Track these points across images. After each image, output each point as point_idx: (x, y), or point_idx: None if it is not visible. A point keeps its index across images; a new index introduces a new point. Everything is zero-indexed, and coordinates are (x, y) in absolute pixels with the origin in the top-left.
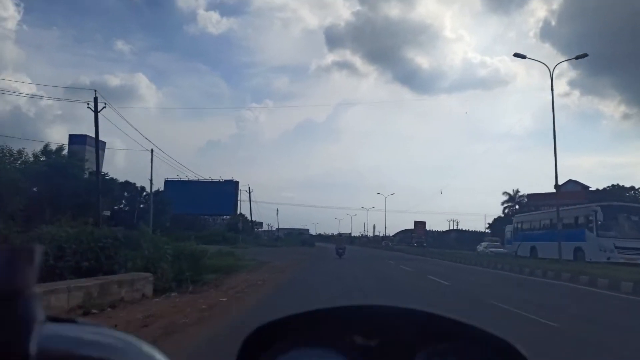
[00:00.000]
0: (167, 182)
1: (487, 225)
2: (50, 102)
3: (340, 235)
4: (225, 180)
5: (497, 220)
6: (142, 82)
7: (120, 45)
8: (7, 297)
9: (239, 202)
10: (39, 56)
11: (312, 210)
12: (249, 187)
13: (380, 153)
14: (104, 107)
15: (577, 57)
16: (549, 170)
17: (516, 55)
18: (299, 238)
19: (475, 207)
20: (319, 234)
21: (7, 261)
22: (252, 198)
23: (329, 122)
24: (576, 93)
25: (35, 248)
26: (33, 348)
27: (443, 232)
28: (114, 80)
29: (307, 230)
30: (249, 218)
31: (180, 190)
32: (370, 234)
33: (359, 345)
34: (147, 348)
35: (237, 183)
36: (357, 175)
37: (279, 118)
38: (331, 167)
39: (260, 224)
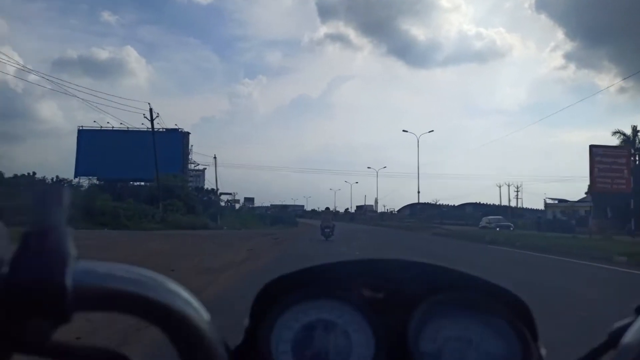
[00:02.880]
0: (83, 132)
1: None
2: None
3: (327, 210)
4: (166, 130)
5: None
6: (132, 55)
7: (107, 16)
8: (41, 232)
9: (188, 161)
10: (24, 28)
11: (307, 185)
12: (215, 156)
13: (375, 128)
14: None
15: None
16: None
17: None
18: (292, 214)
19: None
20: (313, 210)
21: (39, 200)
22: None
23: (323, 97)
24: (572, 66)
25: (64, 189)
26: (69, 281)
27: (457, 206)
28: (102, 54)
29: (302, 206)
30: (211, 187)
31: (100, 144)
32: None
33: (367, 298)
34: (174, 285)
35: (185, 135)
36: (352, 150)
37: (273, 94)
38: (325, 143)
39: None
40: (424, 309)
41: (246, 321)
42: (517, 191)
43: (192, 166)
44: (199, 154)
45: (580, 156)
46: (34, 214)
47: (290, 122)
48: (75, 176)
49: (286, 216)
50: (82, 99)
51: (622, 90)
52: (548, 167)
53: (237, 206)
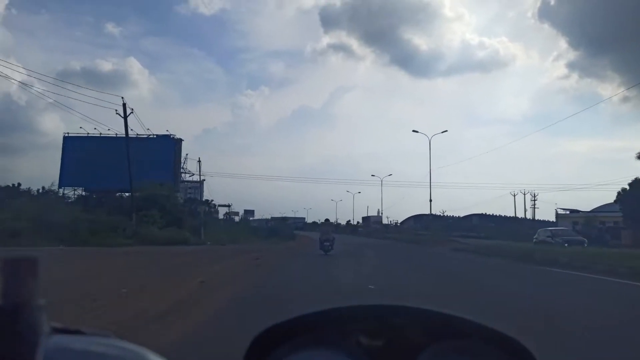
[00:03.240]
0: (68, 140)
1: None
2: (41, 89)
3: (326, 222)
4: (157, 136)
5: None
6: (135, 67)
7: (110, 28)
8: (12, 309)
9: (181, 171)
10: (28, 41)
11: (308, 197)
12: (199, 160)
13: (377, 138)
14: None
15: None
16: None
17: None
18: (290, 227)
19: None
20: (314, 222)
21: (10, 273)
22: (211, 176)
23: (325, 108)
24: (575, 76)
25: (37, 259)
26: None
27: (463, 217)
28: (105, 66)
29: (303, 218)
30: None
31: (86, 151)
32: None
33: (365, 346)
34: (157, 359)
35: (178, 141)
36: (353, 162)
37: (275, 105)
38: (327, 154)
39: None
40: (425, 358)
41: None
42: (534, 200)
43: (186, 176)
44: (200, 161)
45: (583, 165)
46: (5, 286)
47: (292, 133)
48: (60, 187)
49: (284, 229)
50: (55, 101)
51: (625, 99)
52: (551, 177)
53: (237, 219)
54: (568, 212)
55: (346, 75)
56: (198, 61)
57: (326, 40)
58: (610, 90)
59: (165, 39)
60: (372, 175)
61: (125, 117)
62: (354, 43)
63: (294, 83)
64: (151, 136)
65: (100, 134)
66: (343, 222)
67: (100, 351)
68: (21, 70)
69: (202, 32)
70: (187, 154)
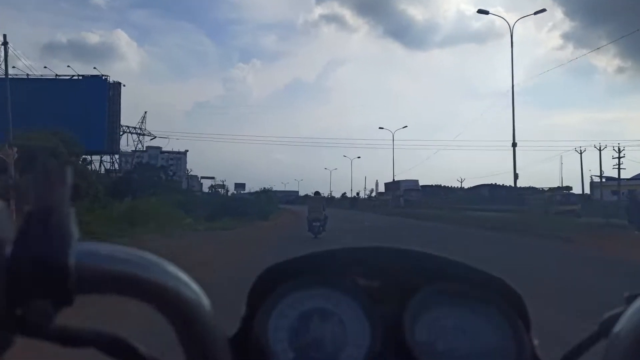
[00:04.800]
0: None
1: None
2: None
3: (316, 196)
4: (83, 77)
5: None
6: (122, 39)
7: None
8: (44, 212)
9: (137, 131)
10: (14, 14)
11: (302, 169)
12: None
13: (372, 111)
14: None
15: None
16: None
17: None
18: (272, 200)
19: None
20: (307, 195)
21: (42, 180)
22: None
23: (319, 81)
24: (570, 46)
25: (67, 169)
26: (72, 262)
27: (472, 187)
28: (92, 38)
29: (296, 192)
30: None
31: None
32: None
33: (363, 286)
34: (173, 269)
35: (114, 85)
36: (348, 134)
37: (267, 78)
38: (321, 127)
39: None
40: (419, 299)
41: (243, 310)
42: (620, 157)
43: (147, 139)
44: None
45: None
46: (36, 193)
47: (285, 107)
48: None
49: (263, 203)
50: None
51: (620, 70)
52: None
53: (229, 193)
54: (604, 180)
55: (339, 48)
56: (188, 34)
57: (318, 10)
58: (605, 61)
59: (153, 11)
60: (380, 128)
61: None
62: (347, 13)
63: (287, 56)
64: (75, 77)
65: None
66: (338, 195)
67: (125, 257)
68: None
69: (192, 3)
70: (145, 112)
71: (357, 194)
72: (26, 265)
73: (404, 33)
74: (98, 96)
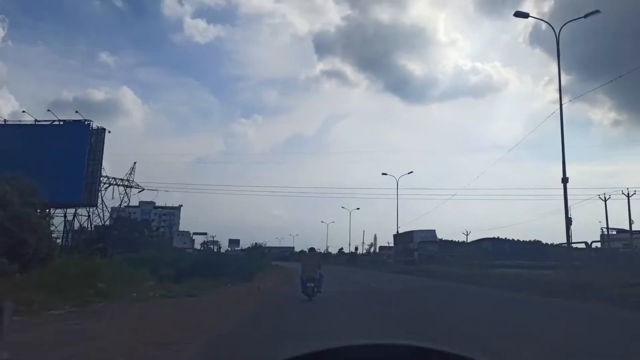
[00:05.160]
0: None
1: None
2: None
3: (310, 253)
4: (64, 123)
5: None
6: (128, 96)
7: (105, 57)
8: None
9: (125, 183)
10: (22, 72)
11: (300, 225)
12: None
13: (371, 165)
14: None
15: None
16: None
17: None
18: (259, 257)
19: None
20: (302, 251)
21: None
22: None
23: (319, 135)
24: (565, 100)
25: (6, 306)
26: None
27: (472, 242)
28: (97, 95)
29: (292, 247)
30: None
31: None
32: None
33: None
34: None
35: (98, 131)
36: (346, 186)
37: (268, 133)
38: (320, 181)
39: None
40: None
41: None
42: (629, 200)
43: (134, 192)
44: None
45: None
46: None
47: (285, 161)
48: None
49: (253, 260)
50: None
51: (615, 123)
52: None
53: (221, 249)
54: (615, 233)
55: (340, 102)
56: (192, 90)
57: (320, 67)
58: (601, 114)
59: (159, 69)
60: (383, 174)
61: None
62: (347, 69)
63: (288, 111)
64: (55, 122)
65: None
66: (334, 251)
67: None
68: None
69: (197, 61)
70: (135, 162)
71: (356, 248)
72: None
73: (403, 88)
74: (78, 142)
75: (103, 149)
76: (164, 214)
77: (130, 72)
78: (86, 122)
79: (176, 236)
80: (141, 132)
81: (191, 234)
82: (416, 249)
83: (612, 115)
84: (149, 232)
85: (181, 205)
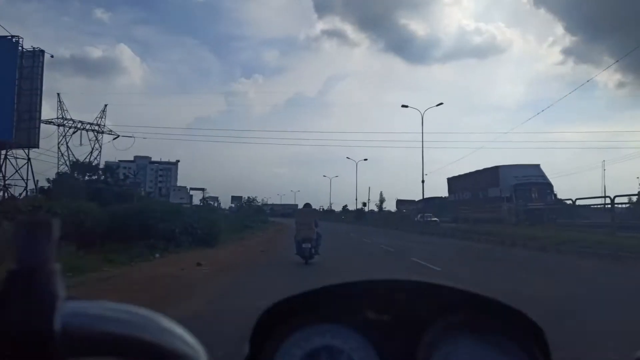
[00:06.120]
0: None
1: None
2: None
3: (306, 209)
4: None
5: None
6: (125, 54)
7: (100, 14)
8: (27, 273)
9: (87, 127)
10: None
11: (301, 182)
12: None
13: (371, 125)
14: None
15: None
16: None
17: None
18: (251, 214)
19: None
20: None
21: (24, 236)
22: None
23: (320, 95)
24: (570, 62)
25: (53, 221)
26: (57, 327)
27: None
28: (95, 52)
29: (295, 205)
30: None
31: None
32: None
33: (373, 321)
34: (167, 323)
35: (38, 54)
36: (348, 149)
37: (269, 93)
38: (322, 141)
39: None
40: (432, 333)
41: (246, 348)
42: None
43: (100, 136)
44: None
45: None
46: (20, 249)
47: (286, 121)
48: None
49: (243, 218)
50: None
51: (620, 84)
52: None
53: (223, 206)
54: None
55: (341, 62)
56: (191, 49)
57: (320, 26)
58: (606, 76)
59: (157, 27)
60: (403, 106)
61: None
62: (348, 28)
63: (289, 71)
64: None
65: None
66: (338, 208)
67: (114, 316)
68: None
69: (195, 19)
70: (106, 105)
71: (363, 204)
72: (8, 332)
73: (405, 48)
74: (2, 65)
75: (42, 76)
76: (161, 169)
77: (127, 30)
78: (14, 39)
79: (172, 191)
80: (140, 91)
81: (188, 189)
82: (507, 197)
83: (617, 76)
84: (114, 180)
85: (178, 161)
